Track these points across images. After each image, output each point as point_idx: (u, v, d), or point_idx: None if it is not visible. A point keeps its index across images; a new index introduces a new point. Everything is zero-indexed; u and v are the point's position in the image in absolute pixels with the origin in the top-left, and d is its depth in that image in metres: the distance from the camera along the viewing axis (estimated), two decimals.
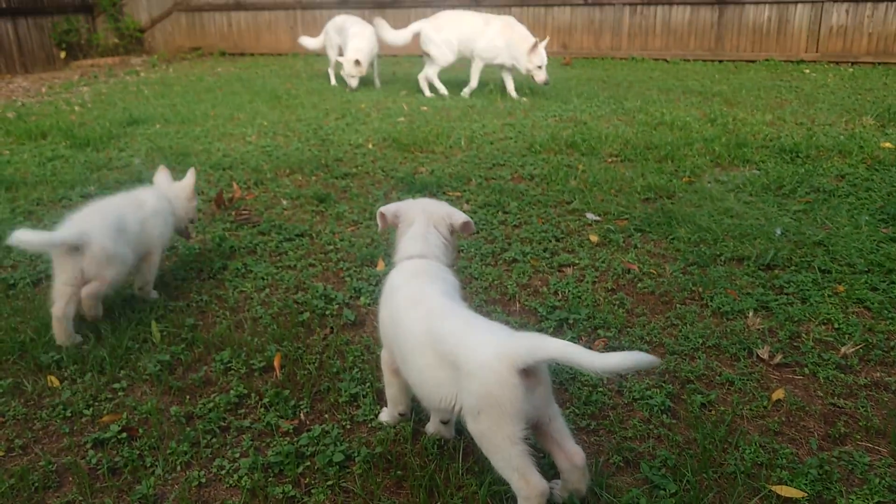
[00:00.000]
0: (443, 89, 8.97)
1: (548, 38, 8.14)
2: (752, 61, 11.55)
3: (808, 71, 10.43)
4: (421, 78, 9.10)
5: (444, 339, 1.88)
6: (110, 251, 2.86)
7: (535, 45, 7.95)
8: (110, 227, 2.91)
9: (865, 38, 11.20)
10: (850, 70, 10.54)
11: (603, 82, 9.69)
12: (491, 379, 1.74)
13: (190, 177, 3.58)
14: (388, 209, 2.36)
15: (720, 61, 11.82)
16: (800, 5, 11.46)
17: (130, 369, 2.72)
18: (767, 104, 7.63)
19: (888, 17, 11.00)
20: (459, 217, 2.32)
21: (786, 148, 5.58)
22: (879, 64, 10.98)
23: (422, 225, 2.29)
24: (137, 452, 2.24)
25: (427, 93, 8.95)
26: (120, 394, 2.58)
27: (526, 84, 8.81)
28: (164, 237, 3.31)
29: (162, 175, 3.53)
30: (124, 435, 2.32)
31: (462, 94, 8.74)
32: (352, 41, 9.54)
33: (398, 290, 2.13)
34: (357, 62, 9.21)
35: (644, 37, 12.44)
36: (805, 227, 3.95)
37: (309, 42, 10.93)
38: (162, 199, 3.34)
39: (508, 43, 8.17)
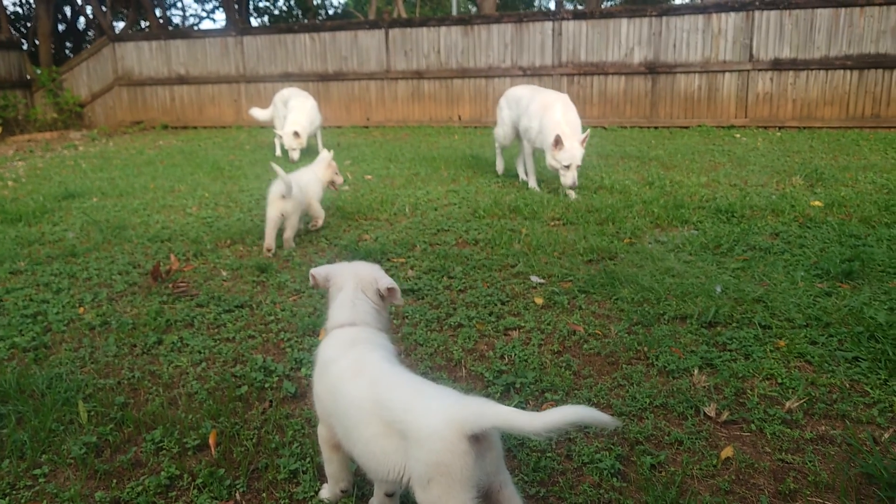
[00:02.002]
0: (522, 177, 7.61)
1: (588, 132, 6.62)
2: (686, 127, 12.00)
3: (738, 135, 10.86)
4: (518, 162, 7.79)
5: (390, 407, 1.81)
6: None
7: (558, 140, 6.40)
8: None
9: (790, 104, 11.77)
10: (778, 134, 11.01)
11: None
12: (440, 446, 1.67)
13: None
14: (319, 272, 2.32)
15: (655, 128, 12.26)
16: (727, 74, 12.02)
17: (53, 453, 2.56)
18: (702, 167, 7.88)
19: (809, 84, 11.60)
20: (385, 282, 2.26)
21: (721, 208, 5.73)
22: (804, 128, 11.52)
23: (350, 290, 2.23)
24: None
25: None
26: (41, 480, 2.41)
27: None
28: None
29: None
30: None
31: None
32: (291, 114, 9.66)
33: (334, 362, 2.04)
34: (296, 134, 9.26)
35: (582, 105, 12.82)
36: (744, 284, 4.01)
37: (258, 113, 11.00)
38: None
39: (542, 127, 6.72)
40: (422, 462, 1.70)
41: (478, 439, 1.68)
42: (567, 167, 6.45)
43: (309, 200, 5.37)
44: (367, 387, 1.89)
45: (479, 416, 1.68)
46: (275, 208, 5.00)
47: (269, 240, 4.99)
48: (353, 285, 2.24)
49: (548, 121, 6.66)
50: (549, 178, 7.30)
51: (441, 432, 1.68)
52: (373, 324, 2.19)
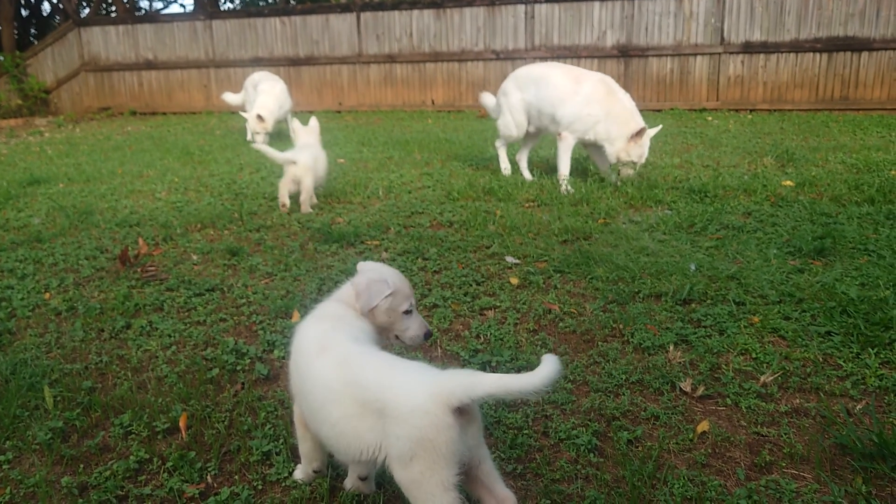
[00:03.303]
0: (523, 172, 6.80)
1: (660, 127, 6.23)
2: (659, 110, 12.04)
3: (710, 118, 10.92)
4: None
5: (365, 385, 1.76)
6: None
7: (641, 132, 5.90)
8: None
9: (761, 87, 11.86)
10: (749, 116, 11.09)
11: None
12: (425, 421, 1.64)
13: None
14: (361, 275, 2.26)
15: None
16: (699, 57, 12.08)
17: (18, 439, 2.49)
18: (675, 149, 7.90)
19: (780, 67, 11.69)
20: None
21: (695, 189, 5.75)
22: (775, 111, 11.62)
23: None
24: None
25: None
26: (5, 467, 2.34)
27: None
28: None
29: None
30: None
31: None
32: (259, 97, 9.53)
33: (302, 335, 2.01)
34: (259, 117, 9.13)
35: None
36: (718, 262, 4.02)
37: (231, 98, 10.86)
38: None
39: (609, 115, 5.96)
40: (403, 439, 1.67)
41: (461, 412, 1.66)
42: (636, 163, 5.98)
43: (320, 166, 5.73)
44: (336, 367, 1.85)
45: (470, 387, 1.65)
46: (287, 177, 5.55)
47: (284, 198, 5.57)
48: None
49: (618, 109, 5.91)
50: (540, 165, 7.26)
51: (425, 406, 1.65)
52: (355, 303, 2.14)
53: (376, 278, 2.13)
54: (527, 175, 6.67)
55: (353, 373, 1.81)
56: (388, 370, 1.80)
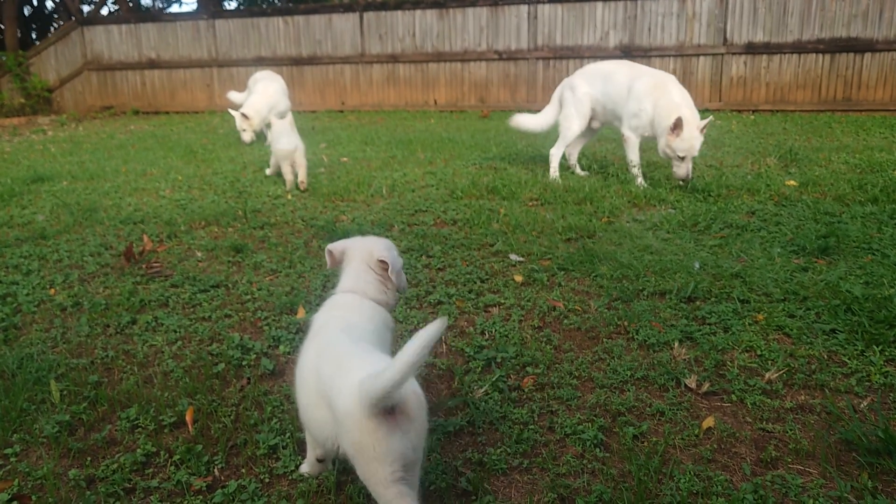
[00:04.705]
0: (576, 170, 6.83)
1: (710, 119, 5.95)
2: None
3: (713, 119, 10.90)
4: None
5: (324, 380, 1.79)
6: None
7: (678, 125, 5.72)
8: None
9: (764, 88, 11.86)
10: (752, 117, 11.10)
11: (520, 132, 9.86)
12: (351, 426, 1.64)
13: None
14: (335, 246, 2.33)
15: None
16: (702, 58, 12.08)
17: (25, 432, 2.49)
18: None
19: (782, 68, 11.69)
20: (378, 253, 2.25)
21: (698, 188, 5.75)
22: (777, 111, 11.63)
23: (357, 261, 2.26)
24: None
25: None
26: (12, 459, 2.34)
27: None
28: None
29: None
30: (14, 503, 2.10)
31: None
32: (251, 96, 9.54)
33: (314, 323, 2.07)
34: (244, 116, 9.13)
35: None
36: (722, 260, 4.03)
37: (236, 97, 10.87)
38: None
39: (656, 109, 5.94)
40: (343, 440, 1.71)
41: (392, 413, 1.63)
42: (682, 158, 5.77)
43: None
44: (314, 355, 1.90)
45: (373, 385, 1.58)
46: (287, 161, 6.27)
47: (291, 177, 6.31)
48: (360, 257, 2.27)
49: (665, 102, 5.84)
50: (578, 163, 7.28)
51: (351, 413, 1.64)
52: (373, 295, 2.20)
53: (384, 247, 2.25)
54: (580, 172, 6.71)
55: (320, 363, 1.84)
56: (338, 368, 1.77)
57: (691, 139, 5.69)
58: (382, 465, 1.63)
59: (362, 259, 2.26)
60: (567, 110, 6.56)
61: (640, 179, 6.13)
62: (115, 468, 2.26)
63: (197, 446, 2.35)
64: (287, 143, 6.30)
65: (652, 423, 2.47)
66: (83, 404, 2.65)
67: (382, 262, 2.24)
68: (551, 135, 6.72)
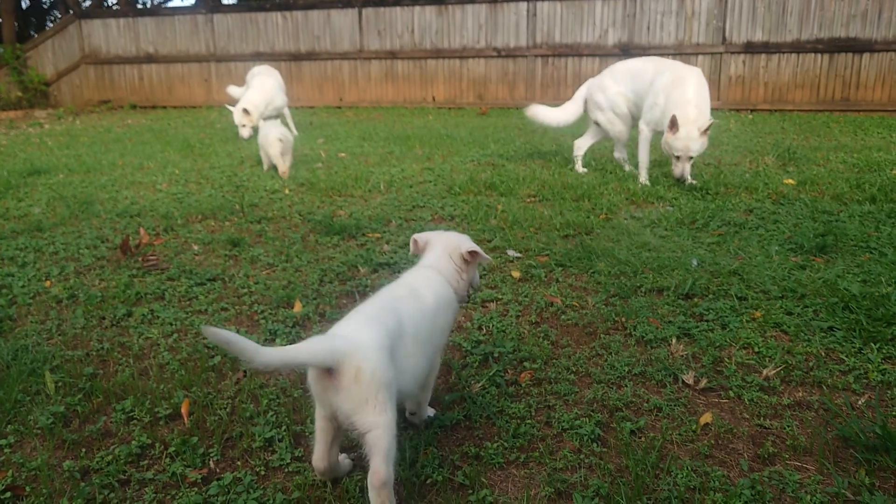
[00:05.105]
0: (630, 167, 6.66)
1: (712, 121, 5.72)
2: None
3: (715, 120, 10.89)
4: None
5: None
6: None
7: (673, 123, 5.64)
8: None
9: (762, 87, 11.87)
10: (750, 116, 11.10)
11: (518, 129, 9.88)
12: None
13: None
14: (420, 236, 2.50)
15: None
16: (701, 56, 12.07)
17: (20, 424, 2.48)
18: None
19: (781, 68, 11.69)
20: (467, 247, 2.41)
21: (696, 186, 5.75)
22: (776, 111, 11.63)
23: (440, 250, 2.43)
24: None
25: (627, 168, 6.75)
26: (6, 450, 2.33)
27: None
28: None
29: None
30: (9, 494, 2.08)
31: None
32: (248, 91, 9.51)
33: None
34: (245, 111, 9.10)
35: (556, 87, 12.82)
36: (720, 257, 4.02)
37: (235, 91, 10.84)
38: None
39: (666, 104, 5.86)
40: None
41: (329, 373, 1.82)
42: (677, 157, 5.70)
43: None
44: None
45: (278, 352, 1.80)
46: (275, 148, 6.67)
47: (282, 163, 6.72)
48: (442, 247, 2.43)
49: (675, 98, 5.72)
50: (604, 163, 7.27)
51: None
52: (448, 278, 2.37)
53: (470, 241, 2.45)
54: (581, 169, 6.68)
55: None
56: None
57: (686, 139, 5.59)
58: (319, 406, 1.93)
59: (445, 249, 2.42)
60: (606, 115, 6.53)
61: (643, 178, 6.11)
62: (110, 460, 2.25)
63: (192, 438, 2.34)
64: (274, 134, 6.71)
65: (649, 419, 2.46)
66: (78, 396, 2.63)
67: (472, 253, 2.39)
68: (550, 132, 6.71)
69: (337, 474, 2.09)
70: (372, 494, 1.81)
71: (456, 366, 2.84)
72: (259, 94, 9.42)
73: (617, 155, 6.70)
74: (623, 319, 3.24)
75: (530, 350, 2.95)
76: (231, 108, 9.40)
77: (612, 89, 6.44)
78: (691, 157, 5.72)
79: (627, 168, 6.56)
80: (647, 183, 6.01)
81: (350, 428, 1.83)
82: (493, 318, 3.28)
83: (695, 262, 3.92)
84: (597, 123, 6.67)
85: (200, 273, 3.96)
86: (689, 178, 5.86)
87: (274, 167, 6.85)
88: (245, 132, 9.15)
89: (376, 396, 1.80)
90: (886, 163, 6.53)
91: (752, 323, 3.18)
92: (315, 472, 2.06)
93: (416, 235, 2.50)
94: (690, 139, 5.59)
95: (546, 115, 6.86)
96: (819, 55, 11.46)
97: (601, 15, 12.50)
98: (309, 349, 1.84)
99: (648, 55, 12.17)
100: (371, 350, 1.85)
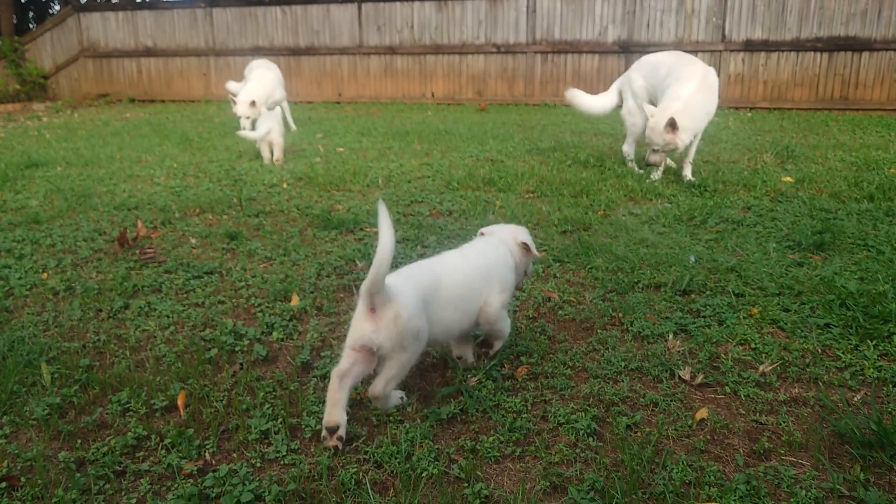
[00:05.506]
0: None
1: (675, 122, 5.66)
2: None
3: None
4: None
5: None
6: None
7: (652, 113, 5.81)
8: None
9: (761, 85, 11.86)
10: (749, 114, 11.10)
11: (517, 126, 9.86)
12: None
13: None
14: (486, 229, 2.94)
15: None
16: (700, 54, 12.04)
17: (15, 414, 2.47)
18: None
19: (780, 66, 11.69)
20: (521, 237, 2.85)
21: (694, 182, 5.75)
22: (775, 109, 11.62)
23: (503, 231, 2.90)
24: (19, 503, 2.01)
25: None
26: (2, 441, 2.33)
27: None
28: None
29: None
30: (4, 485, 2.08)
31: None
32: (248, 84, 9.44)
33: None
34: (253, 103, 9.05)
35: (555, 83, 12.82)
36: (717, 254, 4.02)
37: (234, 87, 10.78)
38: None
39: (664, 97, 6.03)
40: None
41: (372, 308, 2.24)
42: (654, 150, 5.81)
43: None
44: None
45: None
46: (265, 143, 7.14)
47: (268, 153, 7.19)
48: (505, 230, 2.90)
49: (671, 92, 5.87)
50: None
51: None
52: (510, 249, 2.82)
53: (525, 232, 2.91)
54: (634, 167, 6.57)
55: None
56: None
57: (650, 132, 5.72)
58: (352, 336, 2.29)
59: (508, 231, 2.89)
60: (629, 104, 6.63)
61: (656, 174, 6.11)
62: (106, 451, 2.24)
63: (188, 430, 2.34)
64: (264, 126, 7.17)
65: (645, 414, 2.47)
66: (74, 387, 2.63)
67: (524, 244, 2.81)
68: (549, 129, 6.70)
69: (386, 406, 2.43)
70: (372, 401, 2.37)
71: (452, 360, 2.83)
72: (260, 86, 9.36)
73: (625, 148, 6.70)
74: (620, 315, 3.24)
75: (527, 345, 2.95)
76: (237, 99, 9.33)
77: (637, 82, 6.55)
78: (663, 151, 5.76)
79: (629, 165, 6.54)
80: (658, 178, 6.05)
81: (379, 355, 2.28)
82: None
83: (692, 259, 3.92)
84: None
85: (198, 266, 3.95)
86: (689, 175, 5.85)
87: (266, 153, 7.22)
88: (247, 124, 9.10)
89: (405, 337, 2.26)
90: (885, 161, 6.53)
91: (748, 319, 3.18)
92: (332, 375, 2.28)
93: (482, 229, 2.94)
94: (654, 133, 5.69)
95: (585, 101, 6.96)
96: (818, 54, 11.46)
97: (601, 12, 12.49)
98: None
99: (648, 53, 12.20)
100: (410, 300, 2.28)
